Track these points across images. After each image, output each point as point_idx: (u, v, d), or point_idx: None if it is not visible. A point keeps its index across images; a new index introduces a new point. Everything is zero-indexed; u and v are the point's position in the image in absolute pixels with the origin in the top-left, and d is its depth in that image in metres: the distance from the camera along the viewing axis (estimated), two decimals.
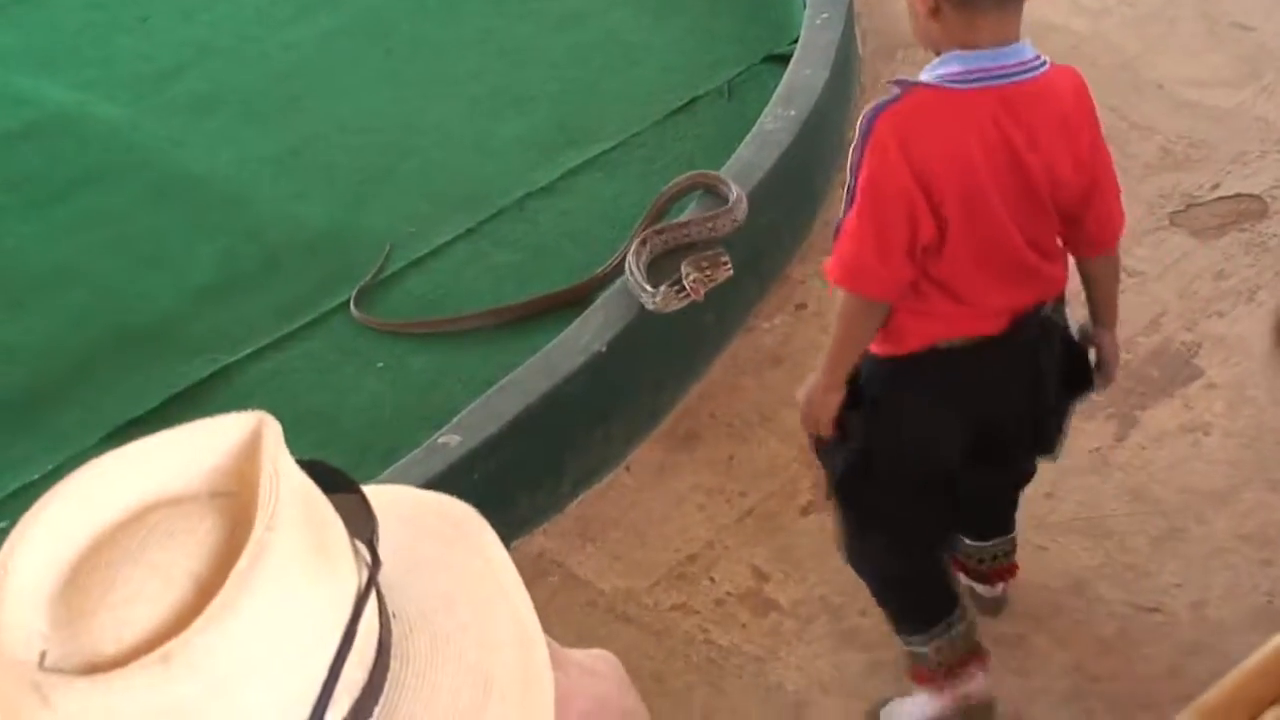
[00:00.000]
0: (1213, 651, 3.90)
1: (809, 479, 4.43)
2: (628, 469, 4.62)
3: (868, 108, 3.21)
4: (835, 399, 3.43)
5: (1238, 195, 5.38)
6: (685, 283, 4.45)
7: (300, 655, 1.10)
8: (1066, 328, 3.59)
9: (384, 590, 1.19)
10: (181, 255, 5.21)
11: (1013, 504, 3.99)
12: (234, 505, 1.12)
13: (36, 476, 4.24)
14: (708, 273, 4.45)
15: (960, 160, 3.15)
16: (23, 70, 6.15)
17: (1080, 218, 3.38)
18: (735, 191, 4.95)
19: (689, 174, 5.18)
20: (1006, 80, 3.16)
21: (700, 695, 3.98)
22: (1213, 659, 3.81)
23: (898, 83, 3.25)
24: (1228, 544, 4.21)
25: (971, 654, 3.75)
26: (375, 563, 1.17)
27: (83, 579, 1.09)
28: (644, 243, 4.75)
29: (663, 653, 4.08)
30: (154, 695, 1.04)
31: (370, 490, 1.24)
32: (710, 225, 4.86)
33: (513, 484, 4.36)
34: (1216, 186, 5.43)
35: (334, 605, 1.12)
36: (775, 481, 4.47)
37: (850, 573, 3.75)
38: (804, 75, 5.49)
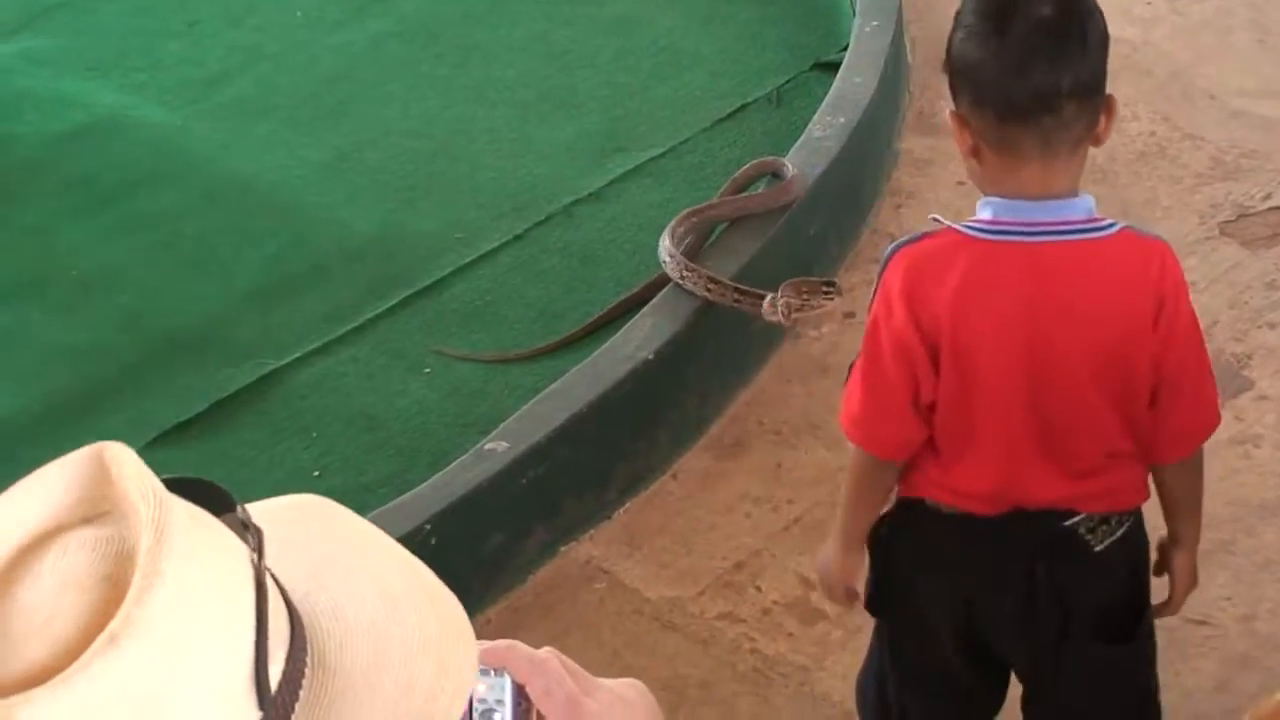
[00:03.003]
0: (1261, 665, 3.88)
1: None
2: (674, 476, 4.61)
3: (893, 243, 3.01)
4: (849, 564, 3.16)
5: None
6: (777, 303, 4.34)
7: (228, 606, 1.13)
8: (1128, 560, 3.11)
9: None
10: (229, 259, 5.22)
11: None
12: (115, 518, 1.14)
13: None
14: (806, 297, 4.34)
15: (967, 315, 2.86)
16: (71, 74, 6.16)
17: (1148, 416, 2.95)
18: (790, 173, 5.00)
19: (754, 161, 5.23)
20: (1038, 238, 2.86)
21: (746, 705, 3.97)
22: (1261, 673, 3.80)
23: (934, 219, 3.00)
24: (1277, 557, 4.19)
25: None
26: (254, 527, 1.20)
27: None
28: (677, 226, 4.79)
29: (709, 661, 4.07)
30: (115, 677, 1.07)
31: None
32: (744, 205, 4.94)
33: (559, 490, 4.37)
34: (1268, 196, 5.39)
35: (236, 562, 1.16)
36: (823, 490, 4.44)
37: None
38: (853, 83, 5.47)
